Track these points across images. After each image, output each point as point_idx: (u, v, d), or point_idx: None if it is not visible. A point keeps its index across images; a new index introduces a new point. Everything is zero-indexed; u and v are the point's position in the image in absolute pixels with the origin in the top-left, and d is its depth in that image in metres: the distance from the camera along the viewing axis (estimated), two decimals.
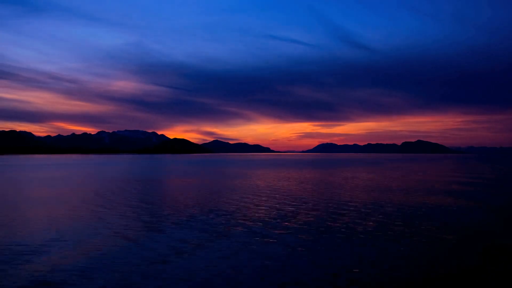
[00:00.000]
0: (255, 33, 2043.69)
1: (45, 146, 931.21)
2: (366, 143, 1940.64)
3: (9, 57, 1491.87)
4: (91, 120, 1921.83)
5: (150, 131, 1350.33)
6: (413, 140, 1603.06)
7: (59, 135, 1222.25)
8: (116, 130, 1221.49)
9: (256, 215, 22.72)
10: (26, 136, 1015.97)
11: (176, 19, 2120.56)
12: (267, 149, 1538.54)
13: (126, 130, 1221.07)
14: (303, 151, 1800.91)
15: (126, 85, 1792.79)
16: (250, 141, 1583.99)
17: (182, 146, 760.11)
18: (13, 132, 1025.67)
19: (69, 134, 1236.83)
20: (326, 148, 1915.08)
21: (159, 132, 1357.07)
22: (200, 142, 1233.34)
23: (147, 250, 15.70)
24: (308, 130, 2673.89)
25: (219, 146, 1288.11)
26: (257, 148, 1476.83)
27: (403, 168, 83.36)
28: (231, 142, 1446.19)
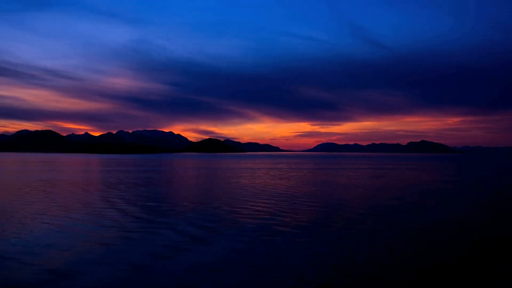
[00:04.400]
0: (264, 29, 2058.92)
1: (71, 145, 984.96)
2: (367, 142, 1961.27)
3: (12, 53, 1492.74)
4: (88, 119, 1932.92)
5: (167, 130, 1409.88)
6: (417, 140, 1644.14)
7: (72, 134, 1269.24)
8: (135, 130, 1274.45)
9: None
10: (52, 135, 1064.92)
11: (183, 15, 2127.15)
12: (276, 148, 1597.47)
13: (144, 130, 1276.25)
14: (303, 150, 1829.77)
15: (127, 83, 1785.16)
16: (247, 140, 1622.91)
17: (209, 144, 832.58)
18: (48, 131, 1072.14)
19: (81, 133, 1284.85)
20: (326, 147, 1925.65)
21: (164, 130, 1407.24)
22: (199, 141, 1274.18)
23: None
24: (307, 129, 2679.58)
25: (232, 145, 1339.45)
26: (267, 147, 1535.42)
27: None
28: (228, 141, 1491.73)
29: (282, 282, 11.91)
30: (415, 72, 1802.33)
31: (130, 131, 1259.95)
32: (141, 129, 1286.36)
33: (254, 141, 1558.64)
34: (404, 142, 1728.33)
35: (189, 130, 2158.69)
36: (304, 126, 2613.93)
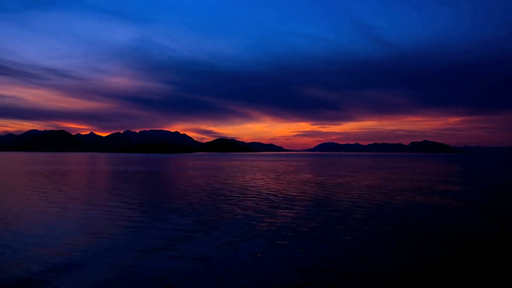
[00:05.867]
0: (265, 28, 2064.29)
1: (84, 145, 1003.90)
2: (367, 142, 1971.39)
3: (14, 53, 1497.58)
4: (90, 119, 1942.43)
5: (173, 130, 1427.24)
6: (418, 140, 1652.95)
7: (78, 134, 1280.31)
8: (143, 130, 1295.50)
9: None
10: (62, 135, 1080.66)
11: (185, 14, 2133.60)
12: (279, 148, 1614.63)
13: (151, 130, 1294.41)
14: (303, 150, 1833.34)
15: (128, 82, 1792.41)
16: (246, 139, 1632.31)
17: (220, 144, 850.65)
18: (59, 132, 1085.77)
19: (78, 132, 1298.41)
20: (327, 147, 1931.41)
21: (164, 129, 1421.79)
22: (200, 140, 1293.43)
23: None
24: (307, 129, 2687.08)
25: (240, 145, 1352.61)
26: (271, 147, 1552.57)
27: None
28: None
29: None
30: (416, 71, 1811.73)
31: (137, 131, 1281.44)
32: (148, 129, 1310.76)
33: (254, 140, 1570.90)
34: (403, 141, 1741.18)
35: (189, 129, 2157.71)
36: (304, 126, 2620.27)
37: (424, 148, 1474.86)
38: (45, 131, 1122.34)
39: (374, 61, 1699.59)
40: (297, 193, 35.61)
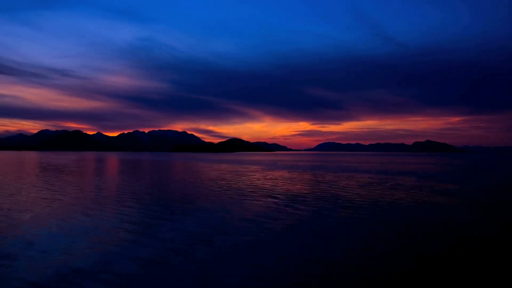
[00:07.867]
0: (267, 26, 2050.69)
1: (95, 145, 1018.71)
2: (368, 142, 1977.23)
3: (16, 52, 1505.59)
4: (93, 118, 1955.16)
5: (180, 130, 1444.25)
6: (421, 140, 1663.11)
7: (88, 134, 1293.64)
8: (152, 130, 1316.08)
9: None
10: (79, 135, 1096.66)
11: (189, 13, 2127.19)
12: (284, 148, 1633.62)
13: (160, 130, 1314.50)
14: (305, 149, 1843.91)
15: (130, 82, 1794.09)
16: (246, 139, 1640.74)
17: (236, 143, 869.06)
18: (73, 132, 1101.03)
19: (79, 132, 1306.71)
20: (328, 146, 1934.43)
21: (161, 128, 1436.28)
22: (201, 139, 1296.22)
23: None
24: (307, 128, 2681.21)
25: (247, 145, 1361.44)
26: (275, 146, 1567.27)
27: None
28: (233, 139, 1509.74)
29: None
30: (417, 70, 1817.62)
31: (146, 131, 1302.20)
32: (155, 128, 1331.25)
33: (255, 140, 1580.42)
34: (405, 141, 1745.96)
35: (189, 129, 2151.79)
36: (304, 125, 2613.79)
37: (426, 148, 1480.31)
38: (57, 131, 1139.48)
39: (375, 59, 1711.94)
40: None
